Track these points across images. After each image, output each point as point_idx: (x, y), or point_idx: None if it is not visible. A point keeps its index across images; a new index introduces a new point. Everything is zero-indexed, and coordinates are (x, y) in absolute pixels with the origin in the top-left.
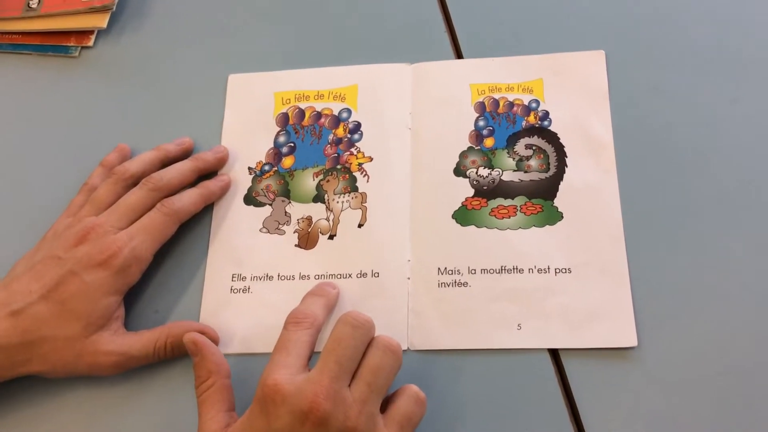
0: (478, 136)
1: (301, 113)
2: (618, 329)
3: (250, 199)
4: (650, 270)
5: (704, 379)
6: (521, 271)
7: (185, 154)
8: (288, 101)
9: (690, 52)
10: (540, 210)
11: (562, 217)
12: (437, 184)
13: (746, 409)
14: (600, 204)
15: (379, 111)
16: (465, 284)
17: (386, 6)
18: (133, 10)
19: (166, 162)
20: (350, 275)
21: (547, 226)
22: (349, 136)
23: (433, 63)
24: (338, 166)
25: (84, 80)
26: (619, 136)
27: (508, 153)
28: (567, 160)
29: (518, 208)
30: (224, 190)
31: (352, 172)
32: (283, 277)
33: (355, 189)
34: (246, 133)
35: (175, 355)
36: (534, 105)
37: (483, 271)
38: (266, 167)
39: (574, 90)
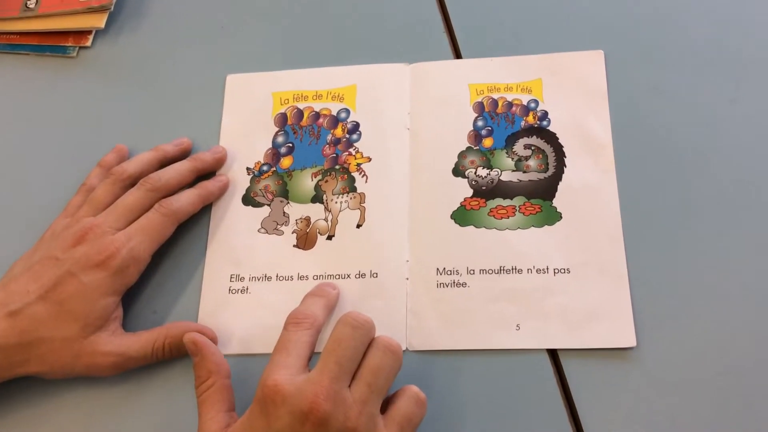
0: (476, 136)
1: (300, 113)
2: (617, 329)
3: (248, 200)
4: (649, 270)
5: (703, 379)
6: (520, 271)
7: (183, 155)
8: (286, 101)
9: (689, 52)
10: (539, 210)
11: (561, 217)
12: (436, 185)
13: (745, 409)
14: (599, 204)
15: (378, 111)
16: (464, 284)
17: (385, 6)
18: (131, 10)
19: (165, 162)
20: (349, 276)
21: (546, 226)
22: (347, 136)
23: (432, 63)
24: (337, 167)
25: (82, 80)
26: (618, 136)
27: (506, 153)
28: (566, 160)
29: (517, 209)
30: (222, 190)
31: (350, 173)
32: (281, 278)
33: (353, 189)
34: (244, 133)
35: (173, 355)
36: (533, 105)
37: (482, 271)
38: (264, 167)
39: (572, 90)
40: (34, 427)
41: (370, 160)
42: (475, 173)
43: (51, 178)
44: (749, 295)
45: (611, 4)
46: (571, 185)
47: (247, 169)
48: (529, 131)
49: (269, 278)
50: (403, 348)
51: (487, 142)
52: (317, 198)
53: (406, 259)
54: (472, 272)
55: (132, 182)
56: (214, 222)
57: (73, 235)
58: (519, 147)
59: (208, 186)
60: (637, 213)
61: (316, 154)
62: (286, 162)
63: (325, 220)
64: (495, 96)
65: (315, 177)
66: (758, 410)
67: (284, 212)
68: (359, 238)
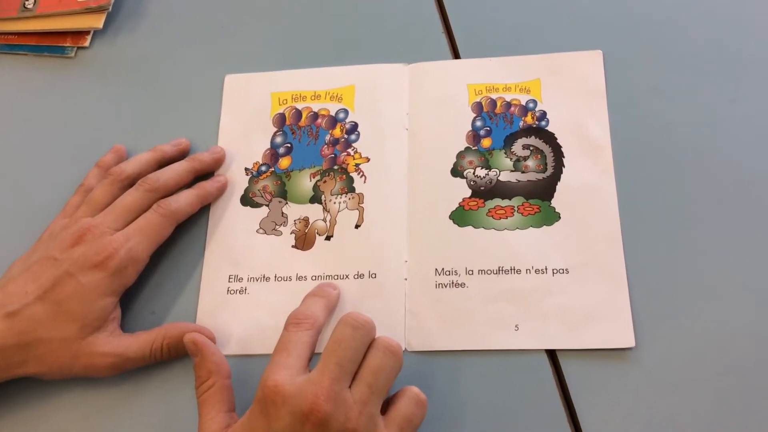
0: (475, 136)
1: (298, 114)
2: (615, 330)
3: (246, 200)
4: (648, 270)
5: (702, 380)
6: (519, 271)
7: (182, 155)
8: (285, 102)
9: (689, 52)
10: (537, 210)
11: (560, 217)
12: (434, 185)
13: (745, 409)
14: (597, 204)
15: (376, 111)
16: (462, 285)
17: (383, 6)
18: (129, 10)
19: (163, 163)
20: (347, 276)
21: (545, 226)
22: (346, 136)
23: (431, 63)
24: (335, 167)
25: (80, 81)
26: (617, 136)
27: (505, 153)
28: (564, 160)
29: (515, 209)
30: (221, 190)
31: (349, 173)
32: (280, 278)
33: (352, 190)
34: (243, 133)
35: (171, 356)
36: (531, 105)
37: (480, 271)
38: (263, 168)
39: (571, 90)
40: (32, 428)
41: (368, 160)
42: (474, 173)
43: (49, 178)
44: (749, 295)
45: (610, 4)
46: (569, 185)
47: (246, 169)
48: (528, 131)
49: (268, 279)
50: (402, 348)
51: (486, 143)
52: (316, 198)
53: (405, 260)
54: (470, 273)
55: (130, 183)
56: (213, 222)
57: (72, 236)
58: (517, 147)
59: (207, 186)
60: (635, 213)
61: (315, 154)
62: (284, 162)
63: (324, 220)
64: (493, 96)
65: (313, 177)
66: (758, 410)
67: (283, 213)
68: (358, 238)
